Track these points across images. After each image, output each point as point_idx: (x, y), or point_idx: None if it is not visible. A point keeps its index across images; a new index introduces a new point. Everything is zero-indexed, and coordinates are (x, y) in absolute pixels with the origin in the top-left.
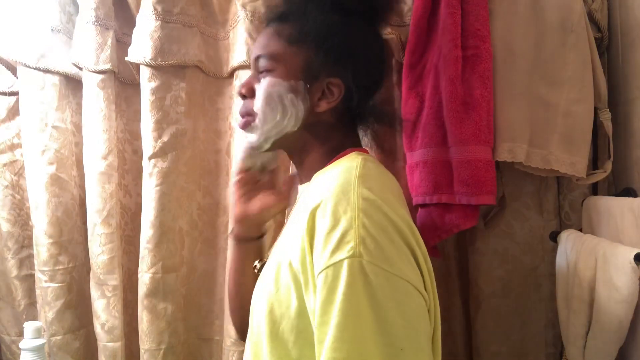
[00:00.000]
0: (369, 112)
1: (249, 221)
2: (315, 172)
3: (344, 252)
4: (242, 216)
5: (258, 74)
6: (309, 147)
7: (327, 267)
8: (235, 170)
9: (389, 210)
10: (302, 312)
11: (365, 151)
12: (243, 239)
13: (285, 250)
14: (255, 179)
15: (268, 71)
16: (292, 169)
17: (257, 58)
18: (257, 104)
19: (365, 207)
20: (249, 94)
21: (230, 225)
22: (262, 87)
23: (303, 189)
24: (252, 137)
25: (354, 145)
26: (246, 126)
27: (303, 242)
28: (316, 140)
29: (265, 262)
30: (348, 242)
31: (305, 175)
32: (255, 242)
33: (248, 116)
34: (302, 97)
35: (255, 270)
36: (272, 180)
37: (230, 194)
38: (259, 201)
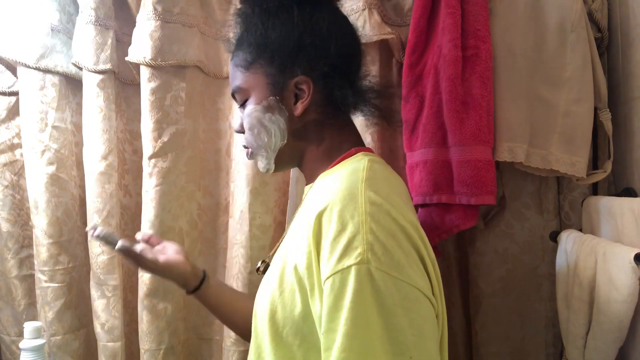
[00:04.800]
0: (356, 94)
1: (178, 277)
2: (319, 172)
3: (352, 259)
4: (171, 274)
5: (240, 106)
6: (307, 150)
7: (334, 273)
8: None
9: (397, 215)
10: (307, 316)
11: (371, 151)
12: (194, 291)
13: (290, 252)
14: (130, 250)
15: (244, 102)
16: (291, 174)
17: (232, 95)
18: (246, 135)
19: (372, 212)
20: (241, 129)
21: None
22: (244, 119)
23: (307, 189)
24: (100, 229)
25: (356, 143)
26: (250, 157)
27: (309, 246)
28: (313, 143)
29: (268, 263)
30: (356, 248)
31: (309, 175)
32: (204, 286)
33: (246, 148)
34: (278, 111)
35: (259, 272)
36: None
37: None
38: (164, 257)
